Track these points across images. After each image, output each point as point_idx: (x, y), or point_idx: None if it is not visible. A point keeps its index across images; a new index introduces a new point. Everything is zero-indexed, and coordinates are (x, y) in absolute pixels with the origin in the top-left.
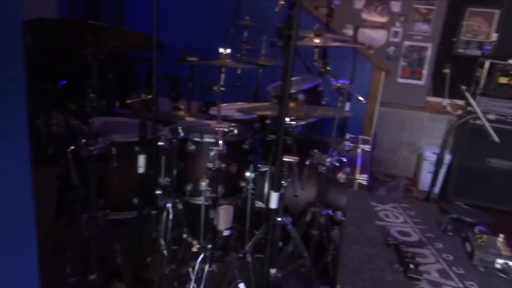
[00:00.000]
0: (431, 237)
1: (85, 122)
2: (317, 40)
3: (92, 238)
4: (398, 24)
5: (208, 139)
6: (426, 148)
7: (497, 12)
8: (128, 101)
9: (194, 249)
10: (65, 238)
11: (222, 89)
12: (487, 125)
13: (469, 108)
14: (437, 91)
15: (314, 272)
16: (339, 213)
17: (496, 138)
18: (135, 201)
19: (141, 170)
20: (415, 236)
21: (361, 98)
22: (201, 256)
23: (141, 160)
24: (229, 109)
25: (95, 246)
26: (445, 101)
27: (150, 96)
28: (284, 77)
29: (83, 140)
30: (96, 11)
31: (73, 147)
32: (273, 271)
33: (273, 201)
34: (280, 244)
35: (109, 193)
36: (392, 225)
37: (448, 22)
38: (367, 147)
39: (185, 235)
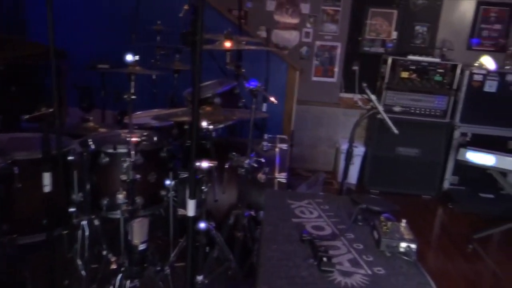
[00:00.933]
0: (343, 228)
1: None
2: (228, 44)
3: None
4: (308, 25)
5: (122, 149)
6: (342, 142)
7: (395, 12)
8: (26, 117)
9: (114, 266)
10: None
11: (133, 97)
12: (386, 118)
13: (371, 103)
14: (348, 87)
15: (240, 274)
16: (261, 213)
17: (395, 130)
18: (44, 222)
19: (47, 189)
20: (328, 230)
21: (273, 99)
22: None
23: (46, 178)
24: (145, 116)
25: (2, 275)
26: (356, 97)
27: (51, 110)
28: (193, 83)
29: None
30: None
31: None
32: (199, 277)
33: (191, 209)
34: (206, 249)
35: (14, 216)
36: (307, 221)
37: (353, 22)
38: (284, 146)
39: (104, 252)
